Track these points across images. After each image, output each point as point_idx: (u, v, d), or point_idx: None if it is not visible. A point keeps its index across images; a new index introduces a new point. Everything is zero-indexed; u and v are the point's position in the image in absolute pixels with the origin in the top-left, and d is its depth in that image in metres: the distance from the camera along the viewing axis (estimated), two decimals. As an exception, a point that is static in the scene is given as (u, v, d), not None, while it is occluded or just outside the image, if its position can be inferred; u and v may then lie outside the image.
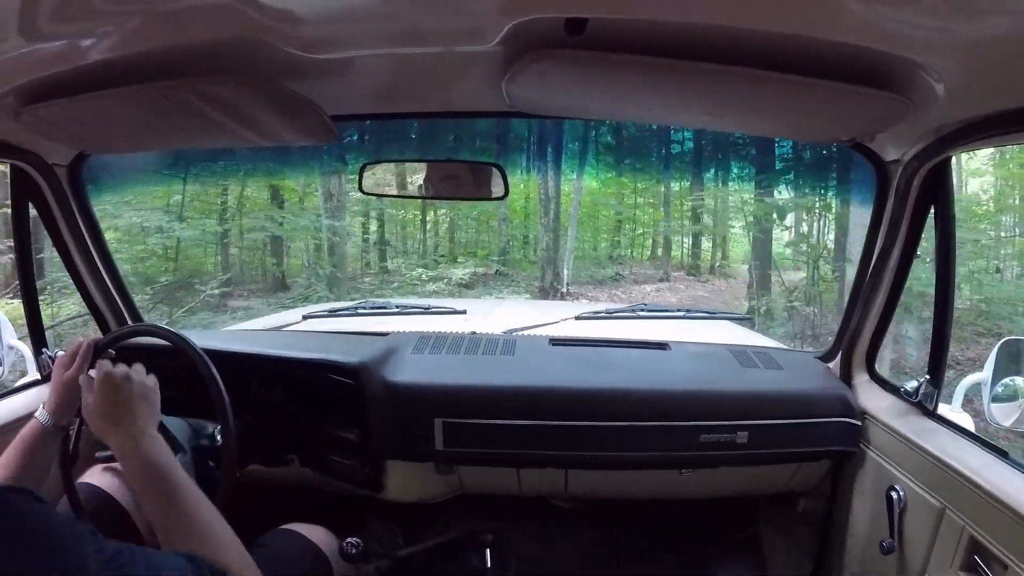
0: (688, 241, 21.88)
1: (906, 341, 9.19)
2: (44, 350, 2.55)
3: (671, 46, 1.42)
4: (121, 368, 1.71)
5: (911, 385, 2.26)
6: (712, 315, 3.76)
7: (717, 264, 21.11)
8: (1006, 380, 2.12)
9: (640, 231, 21.80)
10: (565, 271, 16.39)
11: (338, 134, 2.13)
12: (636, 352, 2.84)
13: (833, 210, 16.87)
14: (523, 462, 2.57)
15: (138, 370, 1.74)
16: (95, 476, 2.24)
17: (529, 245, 19.39)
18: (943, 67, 1.46)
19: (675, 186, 18.72)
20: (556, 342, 2.90)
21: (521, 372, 2.60)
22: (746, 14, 1.29)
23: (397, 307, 3.50)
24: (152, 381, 1.75)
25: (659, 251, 21.52)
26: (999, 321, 10.73)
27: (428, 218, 19.95)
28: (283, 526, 2.20)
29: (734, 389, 2.55)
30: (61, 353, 1.96)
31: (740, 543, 3.22)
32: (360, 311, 3.46)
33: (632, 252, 21.48)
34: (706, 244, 22.24)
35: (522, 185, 17.29)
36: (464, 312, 3.42)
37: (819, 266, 14.95)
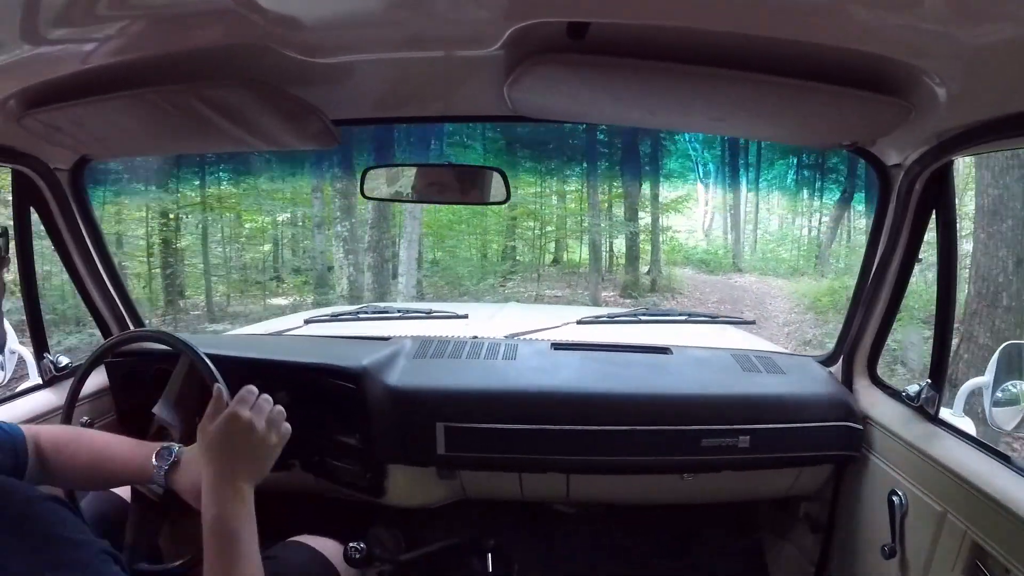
0: (615, 245, 18.95)
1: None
2: (46, 355, 2.53)
3: (673, 50, 1.41)
4: (249, 414, 1.57)
5: (913, 389, 2.23)
6: (714, 319, 3.77)
7: (657, 278, 17.65)
8: (1007, 384, 2.10)
9: (546, 229, 18.53)
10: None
11: (340, 139, 2.11)
12: (638, 356, 2.83)
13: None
14: (525, 467, 2.56)
15: (272, 420, 1.61)
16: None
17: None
18: (945, 72, 1.45)
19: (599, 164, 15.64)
20: (558, 346, 2.90)
21: (523, 376, 2.59)
22: (749, 19, 1.29)
23: (399, 311, 3.49)
24: (276, 438, 1.61)
25: (564, 255, 19.15)
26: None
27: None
28: (292, 538, 2.19)
29: (736, 393, 2.54)
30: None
31: (742, 548, 3.21)
32: (362, 315, 3.45)
33: (539, 257, 18.36)
34: (618, 246, 19.14)
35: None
36: (466, 316, 3.41)
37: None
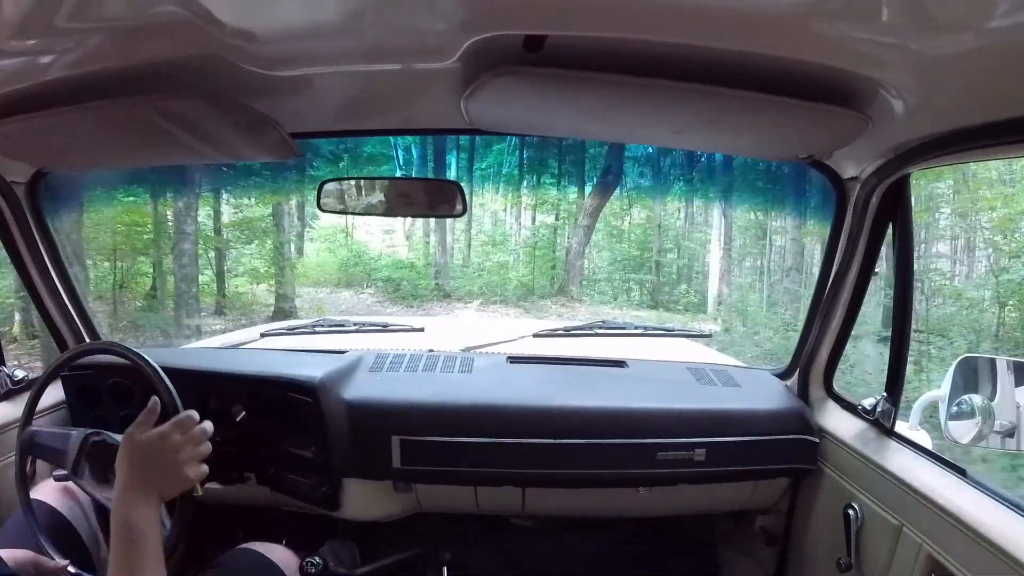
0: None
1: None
2: (1, 368, 2.45)
3: (631, 63, 1.41)
4: (180, 439, 1.61)
5: (868, 403, 2.22)
6: (670, 332, 3.76)
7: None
8: (963, 398, 2.06)
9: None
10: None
11: (299, 151, 2.09)
12: (594, 369, 2.80)
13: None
14: (480, 480, 2.51)
15: (197, 453, 1.63)
16: (48, 494, 2.15)
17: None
18: (902, 84, 1.46)
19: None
20: (514, 360, 2.86)
21: (479, 390, 2.54)
22: (706, 33, 1.29)
23: (355, 325, 3.44)
24: (194, 473, 1.61)
25: (174, 283, 12.37)
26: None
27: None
28: (242, 545, 2.14)
29: (692, 407, 2.50)
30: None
31: (698, 561, 3.17)
32: (318, 329, 3.39)
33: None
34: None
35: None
36: (422, 330, 3.36)
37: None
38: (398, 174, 14.47)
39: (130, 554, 1.43)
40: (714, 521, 3.16)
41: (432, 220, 15.48)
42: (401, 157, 15.26)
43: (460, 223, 16.38)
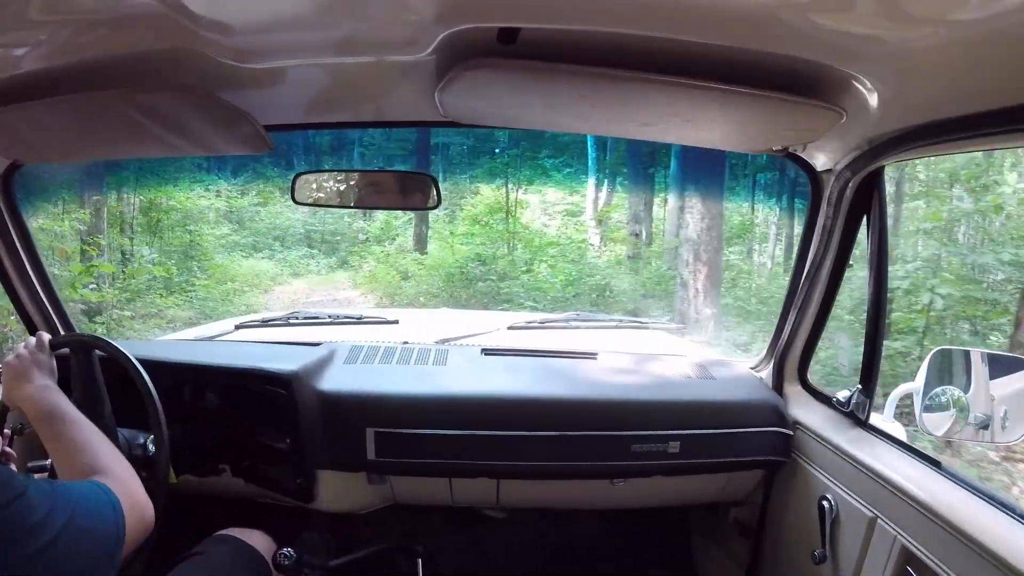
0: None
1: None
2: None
3: (605, 56, 1.41)
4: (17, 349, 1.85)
5: (843, 395, 2.20)
6: (644, 324, 3.75)
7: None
8: (938, 390, 2.04)
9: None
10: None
11: (272, 144, 2.06)
12: (568, 362, 2.76)
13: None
14: (455, 472, 2.47)
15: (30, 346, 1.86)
16: None
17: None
18: (876, 78, 1.47)
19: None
20: (488, 352, 2.82)
21: (453, 382, 2.51)
22: (679, 26, 1.29)
23: (329, 317, 3.40)
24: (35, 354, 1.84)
25: None
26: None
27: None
28: (220, 531, 2.12)
29: (666, 398, 2.47)
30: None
31: (672, 554, 3.17)
32: (292, 321, 3.35)
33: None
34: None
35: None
36: (397, 322, 3.33)
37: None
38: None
39: (54, 429, 1.60)
40: (688, 513, 3.15)
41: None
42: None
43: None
